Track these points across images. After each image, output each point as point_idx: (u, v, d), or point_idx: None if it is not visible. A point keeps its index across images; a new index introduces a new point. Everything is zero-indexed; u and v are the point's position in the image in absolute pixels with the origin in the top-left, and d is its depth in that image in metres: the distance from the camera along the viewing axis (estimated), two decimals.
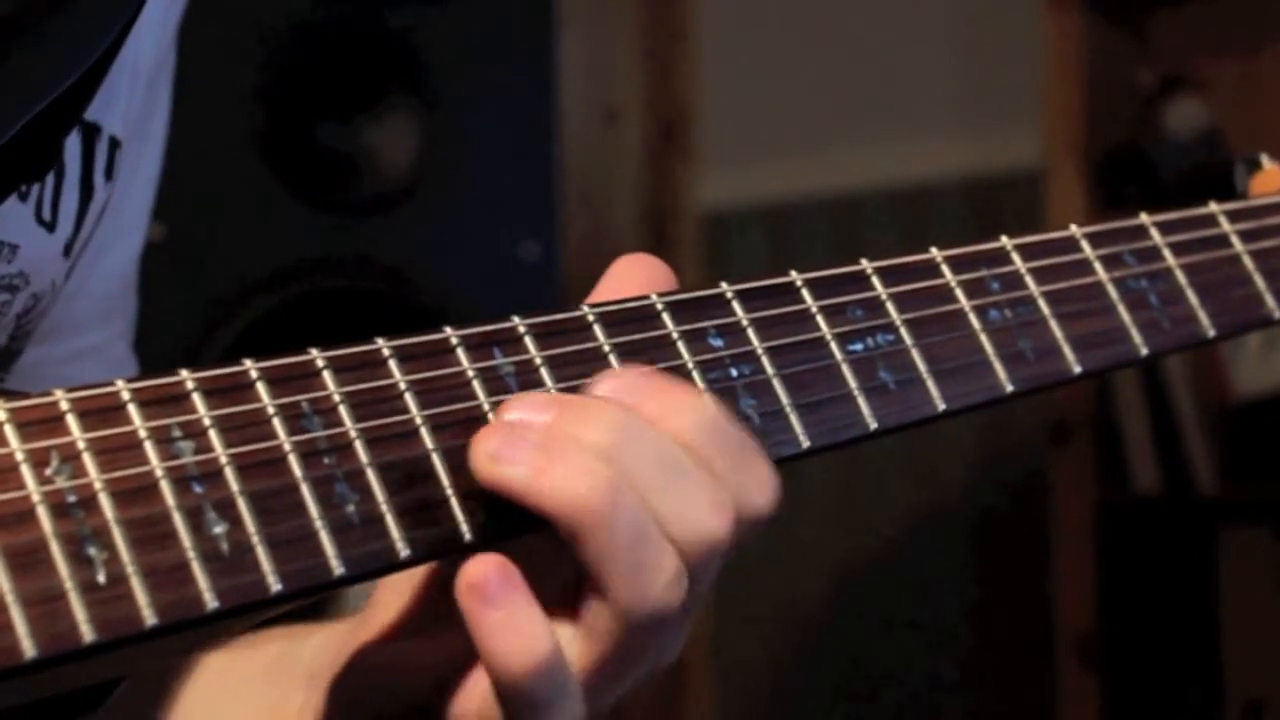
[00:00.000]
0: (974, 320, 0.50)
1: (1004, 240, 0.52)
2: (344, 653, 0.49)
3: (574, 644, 0.42)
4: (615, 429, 0.41)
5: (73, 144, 0.55)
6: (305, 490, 0.41)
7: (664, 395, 0.43)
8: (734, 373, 0.47)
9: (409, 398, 0.43)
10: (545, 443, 0.41)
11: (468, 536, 0.42)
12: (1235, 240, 0.57)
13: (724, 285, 0.48)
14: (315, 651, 0.51)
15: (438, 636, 0.46)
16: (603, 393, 0.43)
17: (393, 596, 0.49)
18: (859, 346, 0.48)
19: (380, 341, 0.44)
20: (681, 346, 0.47)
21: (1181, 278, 0.55)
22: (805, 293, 0.49)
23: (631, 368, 0.44)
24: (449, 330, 0.44)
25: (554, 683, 0.41)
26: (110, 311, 0.63)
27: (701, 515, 0.42)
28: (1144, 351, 0.53)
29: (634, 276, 0.47)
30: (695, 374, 0.46)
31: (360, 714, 0.48)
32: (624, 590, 0.41)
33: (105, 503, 0.39)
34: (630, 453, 0.41)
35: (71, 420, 0.39)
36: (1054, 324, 0.51)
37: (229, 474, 0.41)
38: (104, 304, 0.63)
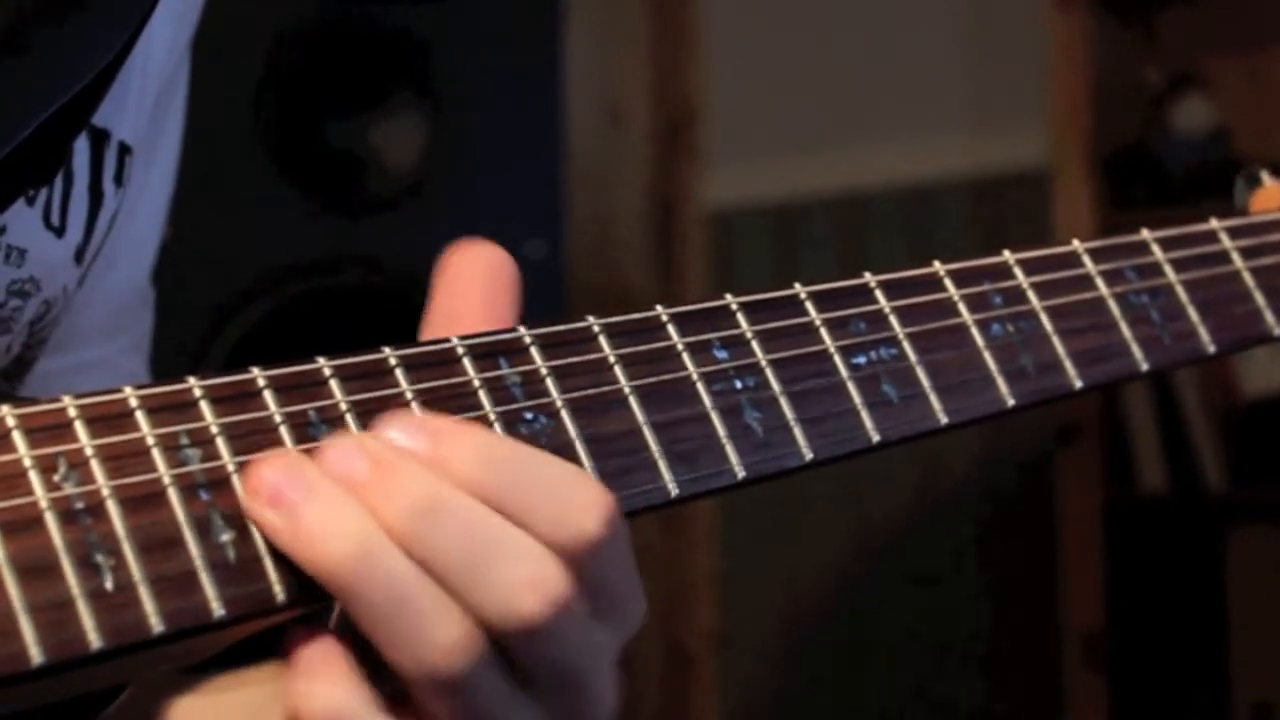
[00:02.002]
0: (976, 334, 0.50)
1: (1006, 255, 0.52)
2: None
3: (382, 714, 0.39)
4: (413, 499, 0.38)
5: (81, 149, 0.55)
6: None
7: (455, 437, 0.40)
8: (738, 384, 0.47)
9: (415, 407, 0.43)
10: (314, 496, 0.38)
11: None
12: (1236, 257, 0.57)
13: (729, 297, 0.48)
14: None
15: None
16: (399, 438, 0.40)
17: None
18: (862, 359, 0.49)
19: (387, 350, 0.44)
20: (686, 358, 0.47)
21: (1182, 294, 0.55)
22: (809, 305, 0.49)
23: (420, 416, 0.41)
24: (455, 340, 0.45)
25: None
26: (121, 324, 0.63)
27: (510, 591, 0.39)
28: (1144, 367, 0.53)
29: (470, 269, 0.44)
30: (700, 385, 0.47)
31: None
32: (393, 654, 0.38)
33: (113, 510, 0.39)
34: (426, 525, 0.38)
35: (79, 427, 0.40)
36: (1055, 339, 0.52)
37: (236, 482, 0.41)
38: (114, 316, 0.63)
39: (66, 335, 0.59)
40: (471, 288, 0.44)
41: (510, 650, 0.39)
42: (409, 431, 0.40)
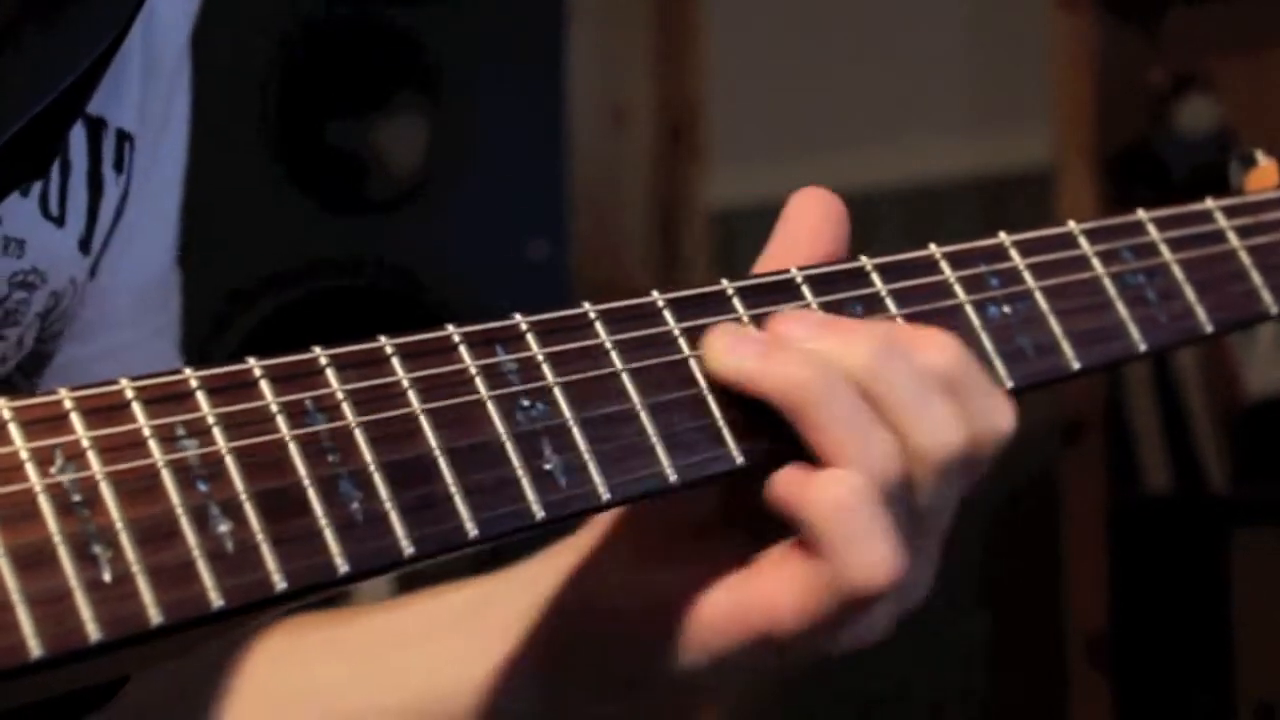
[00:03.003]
0: (973, 316, 0.50)
1: (1002, 236, 0.52)
2: (557, 589, 0.50)
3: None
4: (872, 352, 0.46)
5: (78, 138, 0.55)
6: (309, 488, 0.41)
7: (914, 332, 0.47)
8: None
9: (412, 394, 0.43)
10: (774, 340, 0.46)
11: (472, 533, 0.43)
12: (1232, 236, 0.57)
13: (725, 282, 0.48)
14: (518, 591, 0.52)
15: (655, 573, 0.48)
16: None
17: (591, 540, 0.50)
18: None
19: (383, 339, 0.44)
20: (683, 343, 0.47)
21: (1179, 273, 0.55)
22: (805, 289, 0.49)
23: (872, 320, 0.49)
24: (451, 328, 0.45)
25: (869, 508, 0.45)
26: (147, 307, 0.63)
27: (942, 426, 0.46)
28: (1142, 347, 0.53)
29: (807, 215, 0.50)
30: (697, 371, 0.47)
31: (577, 674, 0.50)
32: (841, 462, 0.45)
33: (110, 501, 0.39)
34: (884, 373, 0.45)
35: (75, 419, 0.40)
36: (1052, 320, 0.51)
37: (233, 472, 0.41)
38: (139, 300, 0.62)
39: (92, 322, 0.59)
40: (799, 231, 0.50)
41: (916, 486, 0.46)
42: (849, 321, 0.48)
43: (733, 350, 0.45)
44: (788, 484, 0.45)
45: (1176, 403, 1.99)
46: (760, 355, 0.45)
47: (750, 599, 0.46)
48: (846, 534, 0.44)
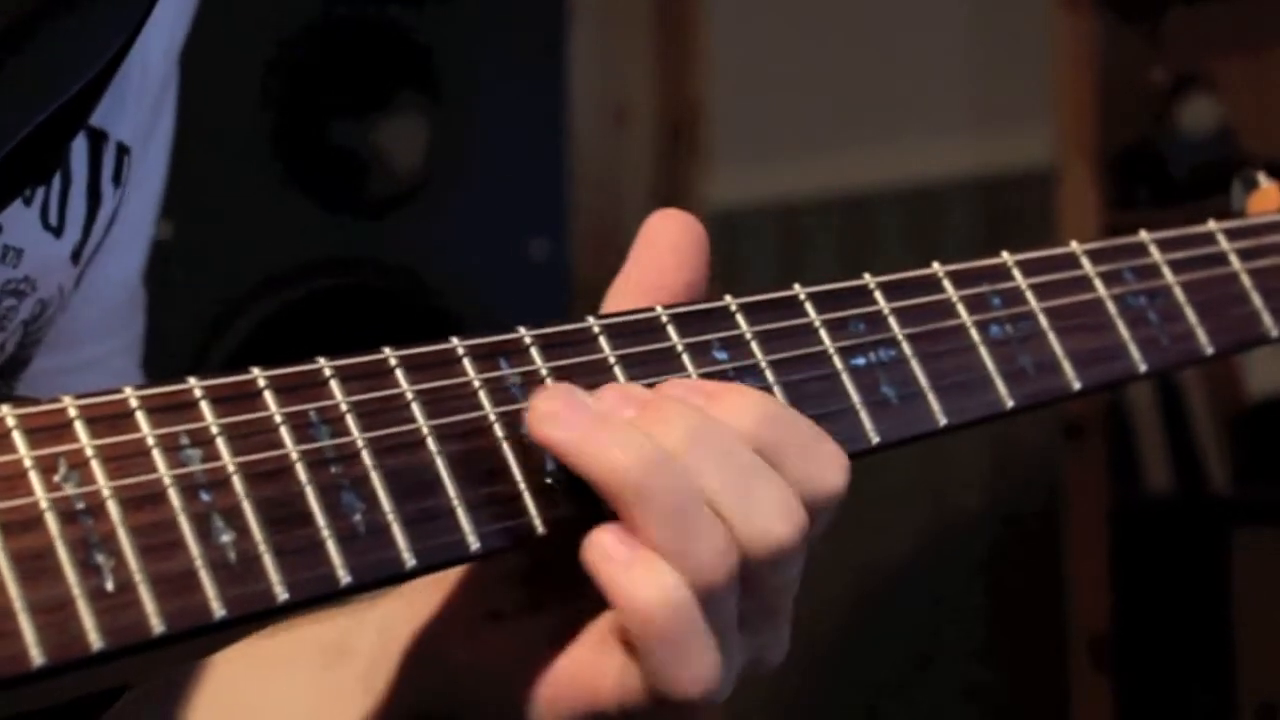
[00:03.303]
0: (975, 336, 0.50)
1: (1005, 256, 0.52)
2: (407, 644, 0.49)
3: None
4: (687, 428, 0.43)
5: (80, 149, 0.55)
6: (312, 499, 0.41)
7: (724, 398, 0.44)
8: None
9: (416, 407, 0.43)
10: (601, 418, 0.43)
11: (474, 546, 0.43)
12: (1233, 258, 0.57)
13: (728, 298, 0.48)
14: (373, 639, 0.51)
15: (518, 622, 0.47)
16: (671, 394, 0.45)
17: (447, 587, 0.49)
18: (861, 361, 0.49)
19: (387, 351, 0.44)
20: (686, 359, 0.47)
21: (1180, 295, 0.55)
22: (809, 306, 0.49)
23: (690, 380, 0.46)
24: (456, 340, 0.45)
25: (690, 619, 0.42)
26: (114, 324, 0.63)
27: (769, 517, 0.43)
28: (1143, 369, 0.53)
29: (665, 237, 0.48)
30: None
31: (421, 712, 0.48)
32: (671, 559, 0.42)
33: (113, 510, 0.39)
34: (699, 451, 0.43)
35: (79, 427, 0.40)
36: (1054, 340, 0.52)
37: (237, 482, 0.41)
38: (108, 316, 0.63)
39: (61, 335, 0.59)
40: (658, 252, 0.48)
41: (749, 576, 0.43)
42: (674, 389, 0.45)
43: (555, 419, 0.42)
44: (604, 562, 0.42)
45: (1178, 403, 1.99)
46: (582, 433, 0.42)
47: (576, 670, 0.45)
48: (661, 643, 0.42)
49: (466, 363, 0.44)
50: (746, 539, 0.43)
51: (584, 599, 0.45)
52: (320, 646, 0.52)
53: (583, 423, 0.42)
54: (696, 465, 0.42)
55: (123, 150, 0.57)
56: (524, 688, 0.46)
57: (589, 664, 0.45)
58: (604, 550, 0.42)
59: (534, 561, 0.48)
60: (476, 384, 0.44)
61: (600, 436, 0.42)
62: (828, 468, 0.44)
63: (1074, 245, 0.54)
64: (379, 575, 0.41)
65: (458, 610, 0.49)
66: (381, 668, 0.50)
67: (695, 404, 0.44)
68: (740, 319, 0.48)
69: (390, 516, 0.42)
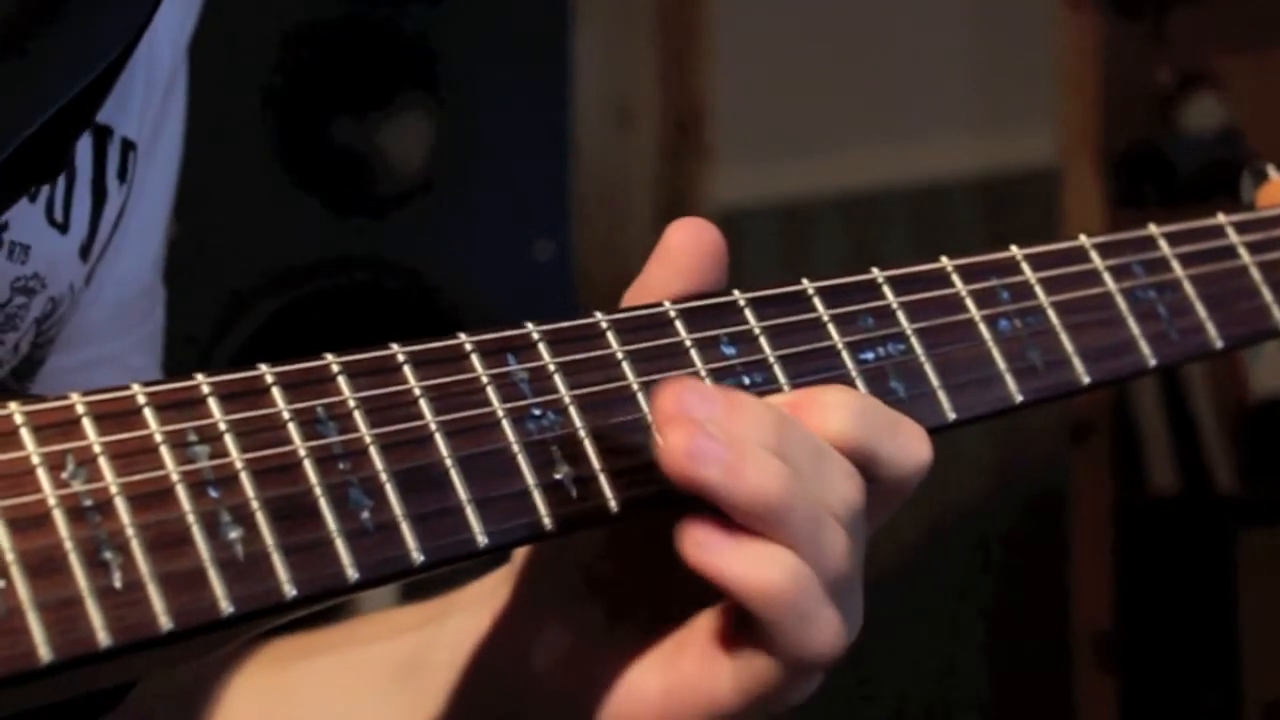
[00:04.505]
0: (984, 330, 0.50)
1: (1014, 250, 0.52)
2: (482, 657, 0.49)
3: None
4: (774, 426, 0.44)
5: (84, 146, 0.55)
6: (320, 496, 0.41)
7: (820, 400, 0.46)
8: (746, 380, 0.47)
9: (424, 403, 0.43)
10: (731, 442, 0.43)
11: (483, 543, 0.43)
12: (1243, 252, 0.57)
13: (736, 293, 0.48)
14: (448, 655, 0.51)
15: (595, 635, 0.47)
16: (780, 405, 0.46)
17: (521, 600, 0.49)
18: (870, 355, 0.49)
19: (395, 347, 0.44)
20: (694, 354, 0.47)
21: (1190, 289, 0.55)
22: (817, 301, 0.49)
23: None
24: (463, 336, 0.44)
25: (811, 587, 0.44)
26: (128, 320, 0.63)
27: (843, 489, 0.45)
28: (1152, 363, 0.53)
29: (683, 243, 0.49)
30: (709, 381, 0.47)
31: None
32: (813, 565, 0.44)
33: (121, 507, 0.39)
34: (790, 446, 0.44)
35: (87, 424, 0.40)
36: (1063, 335, 0.51)
37: (245, 479, 0.41)
38: (121, 312, 0.62)
39: (74, 333, 0.59)
40: (678, 259, 0.48)
41: (850, 557, 0.46)
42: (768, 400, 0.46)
43: (695, 456, 0.42)
44: (711, 553, 0.43)
45: (1183, 403, 1.99)
46: (726, 468, 0.42)
47: (687, 683, 0.45)
48: (790, 614, 0.43)
49: (474, 358, 0.44)
50: (850, 533, 0.45)
51: (662, 605, 0.46)
52: (392, 665, 0.52)
53: (723, 459, 0.43)
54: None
55: (128, 146, 0.57)
56: (623, 707, 0.46)
57: (701, 677, 0.45)
58: (704, 542, 0.43)
59: (608, 572, 0.48)
60: (484, 379, 0.44)
61: (747, 469, 0.43)
62: (912, 443, 0.47)
63: (1082, 239, 0.54)
64: (387, 572, 0.41)
65: (531, 623, 0.49)
66: (458, 680, 0.50)
67: (795, 414, 0.45)
68: (748, 314, 0.48)
69: (398, 513, 0.42)
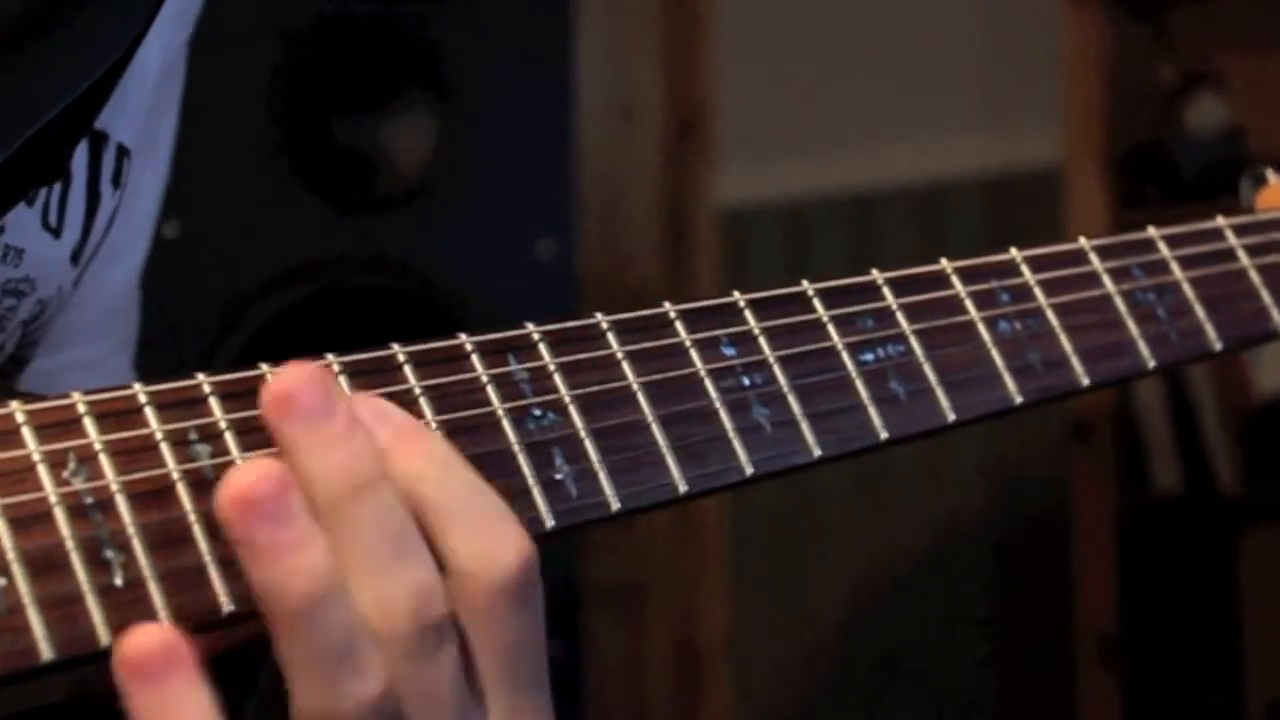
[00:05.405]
0: (984, 332, 0.51)
1: (1013, 252, 0.53)
2: None
3: None
4: (352, 480, 0.38)
5: (79, 151, 0.55)
6: None
7: (405, 439, 0.40)
8: (746, 381, 0.47)
9: (424, 403, 0.43)
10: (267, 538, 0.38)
11: None
12: (1242, 254, 0.57)
13: (736, 294, 0.48)
14: None
15: None
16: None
17: None
18: (870, 357, 0.49)
19: (395, 347, 0.44)
20: (694, 354, 0.47)
21: (1189, 291, 0.55)
22: (817, 302, 0.49)
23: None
24: (464, 336, 0.45)
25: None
26: (111, 325, 0.63)
27: (410, 603, 0.39)
28: (1151, 364, 0.53)
29: None
30: (708, 382, 0.47)
31: None
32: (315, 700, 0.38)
33: (122, 505, 0.39)
34: (353, 517, 0.38)
35: (89, 422, 0.40)
36: (1063, 336, 0.52)
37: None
38: (105, 317, 0.63)
39: (59, 335, 0.59)
40: None
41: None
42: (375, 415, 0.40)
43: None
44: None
45: (1186, 403, 1.99)
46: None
47: None
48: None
49: (475, 359, 0.44)
50: (386, 633, 0.38)
51: None
52: None
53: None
54: (345, 518, 0.38)
55: (122, 152, 0.57)
56: None
57: None
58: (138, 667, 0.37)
59: None
60: (484, 380, 0.44)
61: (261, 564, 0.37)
62: (502, 546, 0.39)
63: (1082, 241, 0.54)
64: None
65: None
66: None
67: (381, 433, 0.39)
68: (748, 315, 0.48)
69: None
